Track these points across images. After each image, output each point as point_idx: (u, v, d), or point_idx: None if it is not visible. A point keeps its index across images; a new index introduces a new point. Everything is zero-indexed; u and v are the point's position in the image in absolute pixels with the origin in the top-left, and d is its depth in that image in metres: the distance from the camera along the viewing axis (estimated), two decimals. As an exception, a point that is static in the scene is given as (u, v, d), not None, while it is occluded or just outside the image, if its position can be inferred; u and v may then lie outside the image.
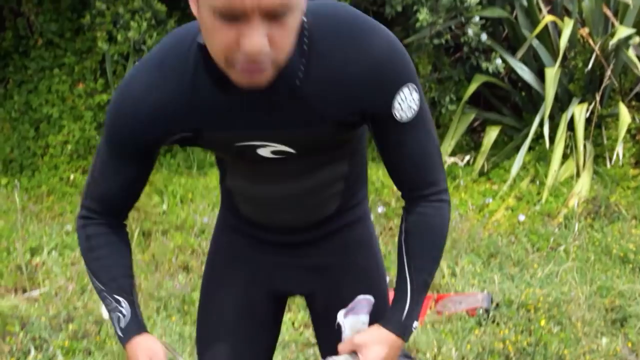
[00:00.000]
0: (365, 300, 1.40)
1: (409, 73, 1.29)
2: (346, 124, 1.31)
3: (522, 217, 3.85)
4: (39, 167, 4.43)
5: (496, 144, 4.48)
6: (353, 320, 1.40)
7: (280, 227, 1.51)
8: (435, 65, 4.42)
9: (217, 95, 1.27)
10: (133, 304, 1.41)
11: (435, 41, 4.03)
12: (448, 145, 4.33)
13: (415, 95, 1.30)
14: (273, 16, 1.08)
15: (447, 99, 4.29)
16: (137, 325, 1.40)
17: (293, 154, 1.34)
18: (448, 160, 4.14)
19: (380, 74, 1.26)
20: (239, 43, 1.09)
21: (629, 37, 4.06)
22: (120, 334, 1.40)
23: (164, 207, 3.87)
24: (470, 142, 4.65)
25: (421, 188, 1.37)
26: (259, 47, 1.08)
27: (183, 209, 3.84)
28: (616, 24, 4.24)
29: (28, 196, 4.19)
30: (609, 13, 4.27)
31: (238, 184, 1.49)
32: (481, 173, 4.32)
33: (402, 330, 1.37)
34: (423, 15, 3.77)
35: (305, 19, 1.22)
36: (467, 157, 4.28)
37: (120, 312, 1.40)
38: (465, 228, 3.70)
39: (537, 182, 4.19)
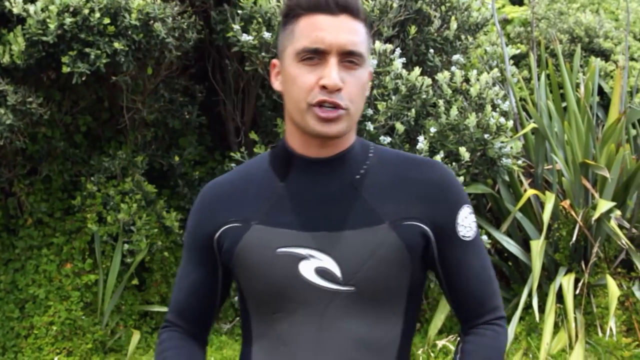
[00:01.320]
0: None
1: (466, 196, 1.40)
2: (404, 235, 1.32)
3: (518, 395, 3.76)
4: (22, 348, 4.33)
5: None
6: None
7: None
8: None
9: (275, 184, 1.37)
10: None
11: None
12: (439, 319, 4.30)
13: (473, 217, 1.40)
14: (347, 61, 1.30)
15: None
16: None
17: (338, 279, 1.31)
18: (439, 343, 4.09)
19: (444, 188, 1.37)
20: (317, 82, 1.28)
21: (609, 211, 4.15)
22: None
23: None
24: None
25: (484, 313, 1.39)
26: (336, 81, 1.27)
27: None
28: (596, 196, 4.36)
29: (9, 381, 4.07)
30: (589, 185, 4.39)
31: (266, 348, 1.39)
32: (473, 348, 4.26)
33: None
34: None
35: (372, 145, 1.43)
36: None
37: None
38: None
39: (530, 356, 4.14)
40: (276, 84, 1.39)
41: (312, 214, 1.34)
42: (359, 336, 1.33)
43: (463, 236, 1.38)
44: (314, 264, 1.32)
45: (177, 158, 4.51)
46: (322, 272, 1.32)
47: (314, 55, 1.30)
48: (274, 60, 1.40)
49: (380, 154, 1.41)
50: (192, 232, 1.46)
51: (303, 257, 1.32)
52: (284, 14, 1.36)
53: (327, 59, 1.29)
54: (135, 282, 4.36)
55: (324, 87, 1.29)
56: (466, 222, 1.39)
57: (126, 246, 4.21)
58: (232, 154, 4.29)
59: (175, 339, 1.47)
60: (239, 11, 4.08)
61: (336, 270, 1.32)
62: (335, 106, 1.29)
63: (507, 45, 5.87)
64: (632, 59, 5.94)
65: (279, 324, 1.35)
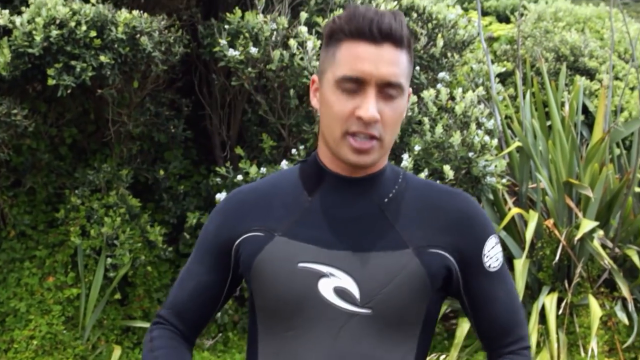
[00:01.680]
0: None
1: (492, 227, 1.41)
2: (427, 262, 1.32)
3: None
4: (2, 362, 4.30)
5: (470, 334, 4.46)
6: None
7: None
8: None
9: (302, 198, 1.38)
10: None
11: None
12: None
13: (499, 248, 1.41)
14: (386, 93, 1.29)
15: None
16: None
17: (356, 301, 1.30)
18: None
19: (471, 218, 1.38)
20: (354, 112, 1.28)
21: (592, 230, 4.18)
22: None
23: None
24: (444, 331, 4.63)
25: (510, 343, 1.40)
26: (372, 114, 1.27)
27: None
28: (579, 215, 4.38)
29: (-12, 395, 4.03)
30: (572, 204, 4.41)
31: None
32: (456, 366, 4.27)
33: None
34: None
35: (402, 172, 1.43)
36: (443, 357, 4.24)
37: None
38: None
39: (513, 375, 4.14)
40: (314, 101, 1.40)
41: (337, 232, 1.34)
42: (372, 359, 1.32)
43: (489, 267, 1.38)
44: (334, 283, 1.31)
45: (162, 172, 4.50)
46: (340, 292, 1.31)
47: (353, 84, 1.29)
48: (314, 77, 1.40)
49: (409, 181, 1.42)
50: (212, 234, 1.44)
51: (323, 275, 1.31)
52: (327, 34, 1.36)
53: (366, 90, 1.29)
54: (117, 296, 4.34)
55: (359, 118, 1.28)
56: (492, 253, 1.39)
57: (109, 260, 4.18)
58: (217, 168, 4.29)
59: (166, 338, 1.45)
60: (226, 26, 4.09)
61: (355, 291, 1.31)
62: (371, 137, 1.29)
63: (493, 62, 5.91)
64: (616, 78, 5.99)
65: (289, 341, 1.34)
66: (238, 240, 1.39)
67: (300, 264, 1.32)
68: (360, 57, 1.28)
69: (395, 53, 1.30)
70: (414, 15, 4.50)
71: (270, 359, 1.37)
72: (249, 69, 3.96)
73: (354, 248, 1.32)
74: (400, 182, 1.40)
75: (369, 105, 1.27)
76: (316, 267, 1.32)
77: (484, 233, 1.39)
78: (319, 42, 4.11)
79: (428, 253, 1.33)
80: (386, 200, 1.37)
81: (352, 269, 1.31)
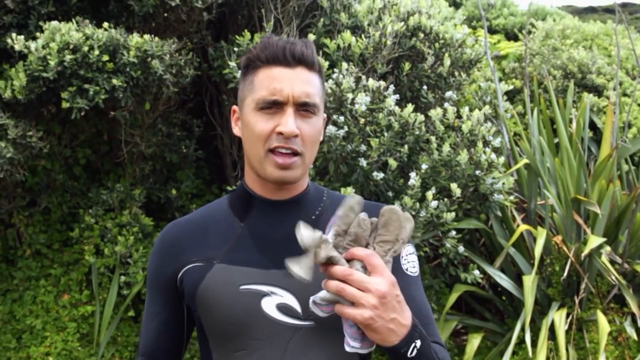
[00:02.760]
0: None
1: (409, 237, 1.47)
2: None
3: None
4: (18, 379, 4.37)
5: (480, 350, 4.49)
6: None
7: None
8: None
9: (235, 226, 1.44)
10: None
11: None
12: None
13: (415, 257, 1.51)
14: (303, 111, 1.38)
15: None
16: None
17: (299, 315, 1.38)
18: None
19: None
20: (274, 129, 1.37)
21: (600, 246, 4.20)
22: None
23: None
24: (454, 347, 4.66)
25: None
26: (291, 128, 1.36)
27: None
28: (588, 231, 4.40)
29: (4, 412, 4.09)
30: (580, 221, 4.44)
31: None
32: (466, 382, 4.29)
33: (414, 326, 1.32)
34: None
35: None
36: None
37: None
38: None
39: (523, 390, 4.16)
40: (236, 129, 1.49)
41: (271, 253, 1.42)
42: None
43: (407, 270, 1.48)
44: (276, 300, 1.39)
45: (174, 191, 4.57)
46: (283, 308, 1.39)
47: (272, 105, 1.39)
48: (234, 107, 1.50)
49: (332, 198, 1.52)
50: (155, 273, 1.50)
51: (265, 294, 1.39)
52: (244, 65, 1.46)
53: (284, 109, 1.39)
54: (131, 313, 4.40)
55: (280, 134, 1.38)
56: (410, 259, 1.50)
57: (123, 278, 4.26)
58: (228, 187, 4.36)
59: None
60: (236, 48, 4.17)
61: (296, 305, 1.39)
62: (292, 152, 1.38)
63: (501, 80, 5.96)
64: (624, 94, 6.02)
65: None
66: (180, 274, 1.45)
67: (242, 287, 1.39)
68: (277, 79, 1.39)
69: (309, 75, 1.42)
70: (421, 35, 4.56)
71: None
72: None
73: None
74: (325, 200, 1.50)
75: (288, 121, 1.37)
76: (257, 287, 1.39)
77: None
78: (327, 63, 4.18)
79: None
80: (313, 217, 1.46)
81: (291, 286, 1.39)
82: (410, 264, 1.49)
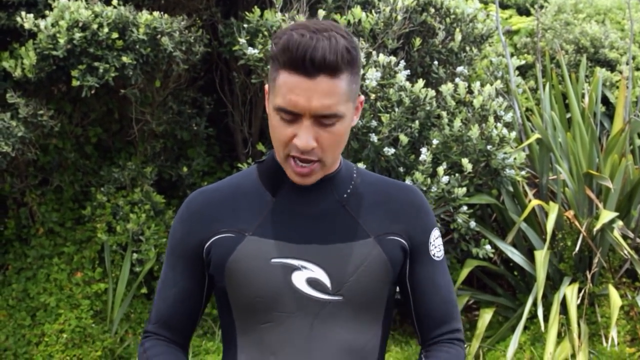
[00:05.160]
0: None
1: (435, 220, 1.52)
2: (387, 249, 1.42)
3: (520, 405, 3.79)
4: (33, 356, 4.41)
5: (491, 325, 4.49)
6: None
7: None
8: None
9: (267, 200, 1.44)
10: None
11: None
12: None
13: (441, 240, 1.52)
14: (322, 122, 1.33)
15: (440, 283, 4.35)
16: None
17: (328, 290, 1.38)
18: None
19: (419, 209, 1.48)
20: (292, 138, 1.33)
21: (612, 221, 4.18)
22: None
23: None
24: (466, 322, 4.67)
25: (447, 331, 1.48)
26: (306, 145, 1.32)
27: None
28: (600, 206, 4.38)
29: (21, 388, 4.14)
30: (592, 195, 4.42)
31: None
32: (477, 356, 4.30)
33: None
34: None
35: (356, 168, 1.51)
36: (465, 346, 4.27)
37: None
38: (463, 419, 3.64)
39: (534, 365, 4.17)
40: (268, 107, 1.44)
41: (304, 228, 1.41)
42: (345, 344, 1.40)
43: (434, 255, 1.48)
44: (306, 275, 1.39)
45: (185, 169, 4.58)
46: (313, 283, 1.39)
47: (289, 115, 1.33)
48: (266, 86, 1.44)
49: (362, 176, 1.50)
50: (180, 241, 1.47)
51: (296, 268, 1.39)
52: (270, 55, 1.39)
53: (302, 120, 1.33)
54: (144, 290, 4.44)
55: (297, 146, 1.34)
56: (437, 243, 1.50)
57: (135, 255, 4.28)
58: (240, 164, 4.36)
59: (159, 346, 1.48)
60: (245, 25, 4.16)
61: (326, 280, 1.39)
62: (310, 161, 1.36)
63: (513, 55, 5.91)
64: (637, 69, 5.95)
65: (267, 333, 1.40)
66: (208, 243, 1.43)
67: (274, 260, 1.39)
68: (294, 91, 1.30)
69: (330, 83, 1.30)
70: (432, 10, 4.53)
71: (250, 350, 1.42)
72: (269, 67, 4.02)
73: (321, 241, 1.40)
74: (355, 178, 1.48)
75: (303, 136, 1.32)
76: (288, 261, 1.39)
77: (431, 223, 1.50)
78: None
79: (387, 240, 1.43)
80: (345, 195, 1.45)
81: (322, 261, 1.39)
82: (437, 248, 1.49)
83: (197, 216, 1.45)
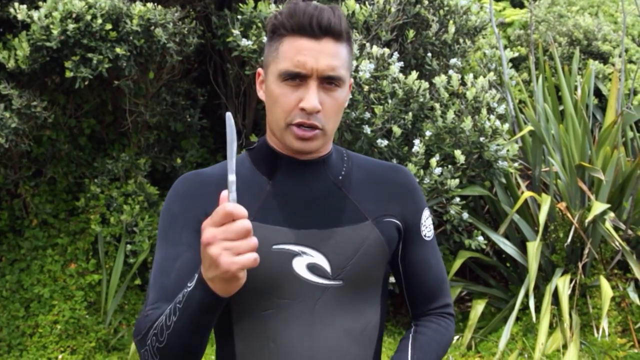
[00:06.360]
0: None
1: (425, 201, 1.55)
2: (384, 231, 1.45)
3: (512, 395, 3.82)
4: (27, 347, 4.41)
5: (483, 316, 4.52)
6: None
7: None
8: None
9: (263, 183, 1.44)
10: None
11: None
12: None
13: (431, 220, 1.56)
14: (326, 86, 1.36)
15: (433, 274, 4.37)
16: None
17: (328, 275, 1.40)
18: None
19: (410, 190, 1.52)
20: (297, 103, 1.35)
21: (604, 212, 4.21)
22: (195, 285, 1.23)
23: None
24: (459, 313, 4.69)
25: (438, 306, 1.54)
26: (314, 104, 1.35)
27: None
28: (592, 197, 4.41)
29: (15, 379, 4.15)
30: (585, 187, 4.44)
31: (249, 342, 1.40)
32: (469, 347, 4.33)
33: None
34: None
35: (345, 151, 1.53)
36: (456, 337, 4.30)
37: (184, 291, 1.25)
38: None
39: (526, 355, 4.20)
40: (260, 93, 1.47)
41: (302, 212, 1.42)
42: (346, 327, 1.42)
43: (425, 235, 1.52)
44: (306, 261, 1.40)
45: (179, 160, 4.59)
46: (313, 268, 1.40)
47: (295, 77, 1.36)
48: (259, 70, 1.47)
49: (353, 158, 1.53)
50: (184, 210, 1.40)
51: (296, 254, 1.39)
52: (269, 30, 1.42)
53: (308, 82, 1.36)
54: (137, 282, 4.44)
55: (303, 109, 1.36)
56: (427, 223, 1.54)
57: (129, 247, 4.29)
58: (232, 156, 4.36)
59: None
60: (239, 16, 4.16)
61: (326, 265, 1.41)
62: (313, 127, 1.37)
63: (507, 47, 5.93)
64: (630, 61, 5.98)
65: (268, 321, 1.40)
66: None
67: (275, 246, 1.39)
68: (302, 52, 1.35)
69: (335, 47, 1.38)
70: (426, 2, 4.53)
71: (249, 339, 1.41)
72: (262, 59, 4.02)
73: (321, 226, 1.41)
74: (347, 160, 1.51)
75: (311, 97, 1.35)
76: (289, 247, 1.39)
77: (422, 204, 1.54)
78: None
79: (383, 222, 1.46)
80: (340, 177, 1.47)
81: (322, 246, 1.40)
82: (427, 228, 1.53)
83: (198, 190, 1.41)
